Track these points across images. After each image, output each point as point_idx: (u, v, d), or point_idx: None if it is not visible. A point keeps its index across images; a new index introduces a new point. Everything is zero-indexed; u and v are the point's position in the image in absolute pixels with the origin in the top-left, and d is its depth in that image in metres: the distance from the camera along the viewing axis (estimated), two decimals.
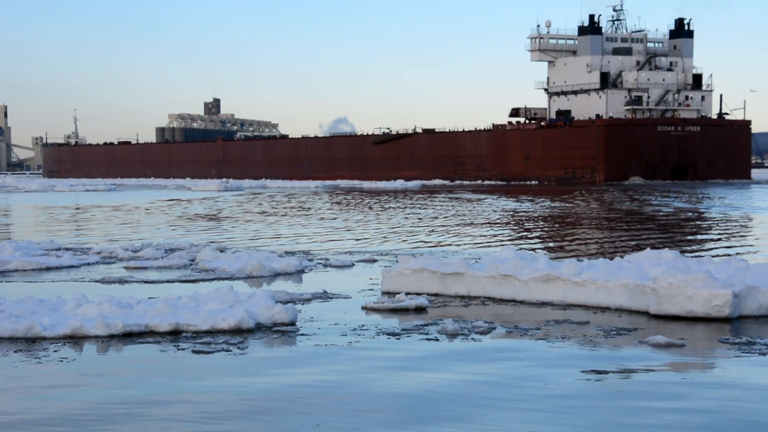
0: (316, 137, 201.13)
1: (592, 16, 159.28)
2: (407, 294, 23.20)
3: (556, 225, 52.87)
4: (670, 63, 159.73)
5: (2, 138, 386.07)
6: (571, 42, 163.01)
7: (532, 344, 17.54)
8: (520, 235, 45.85)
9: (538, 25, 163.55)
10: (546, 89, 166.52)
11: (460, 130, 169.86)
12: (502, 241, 41.70)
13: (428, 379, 14.81)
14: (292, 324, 19.60)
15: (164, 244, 38.15)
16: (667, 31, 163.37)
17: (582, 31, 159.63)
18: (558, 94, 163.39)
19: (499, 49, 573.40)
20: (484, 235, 44.98)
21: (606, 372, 15.19)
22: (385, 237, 44.31)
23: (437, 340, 17.99)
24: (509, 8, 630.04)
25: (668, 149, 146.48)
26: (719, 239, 43.11)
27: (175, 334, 18.62)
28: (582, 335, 18.37)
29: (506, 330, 18.99)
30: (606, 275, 22.07)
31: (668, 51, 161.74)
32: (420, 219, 58.19)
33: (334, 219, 59.29)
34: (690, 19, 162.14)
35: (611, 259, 25.40)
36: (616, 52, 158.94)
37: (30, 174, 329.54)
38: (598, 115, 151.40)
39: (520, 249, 29.26)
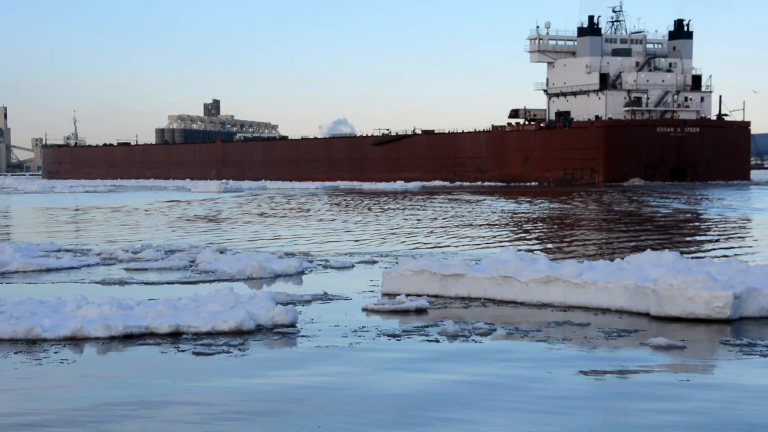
0: (315, 138, 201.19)
1: (591, 18, 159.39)
2: (407, 295, 23.19)
3: (555, 226, 52.86)
4: (670, 64, 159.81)
5: (2, 139, 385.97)
6: (570, 43, 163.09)
7: (533, 346, 17.54)
8: (519, 236, 45.84)
9: (538, 27, 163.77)
10: (545, 90, 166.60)
11: (460, 131, 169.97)
12: (501, 242, 41.69)
13: (428, 380, 14.81)
14: (293, 325, 19.60)
15: (164, 245, 38.16)
16: (666, 32, 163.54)
17: (581, 32, 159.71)
18: (557, 95, 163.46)
19: (499, 51, 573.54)
20: (483, 237, 44.97)
21: (607, 373, 15.20)
22: (384, 238, 44.31)
23: (438, 341, 17.99)
24: (509, 9, 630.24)
25: (667, 150, 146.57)
26: (717, 240, 43.13)
27: (175, 336, 18.62)
28: (583, 337, 18.37)
29: (507, 331, 18.99)
30: (606, 277, 22.06)
31: (667, 52, 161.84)
32: (419, 220, 58.20)
33: (334, 220, 59.29)
34: (689, 20, 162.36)
35: (611, 260, 25.40)
36: (616, 53, 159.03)
37: (29, 175, 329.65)
38: (597, 116, 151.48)
39: (520, 251, 29.25)
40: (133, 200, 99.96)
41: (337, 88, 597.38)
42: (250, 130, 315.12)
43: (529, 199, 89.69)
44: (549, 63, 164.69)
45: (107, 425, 12.49)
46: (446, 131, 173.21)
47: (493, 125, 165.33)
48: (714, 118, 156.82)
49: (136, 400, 13.68)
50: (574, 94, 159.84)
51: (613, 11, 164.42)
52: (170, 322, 18.99)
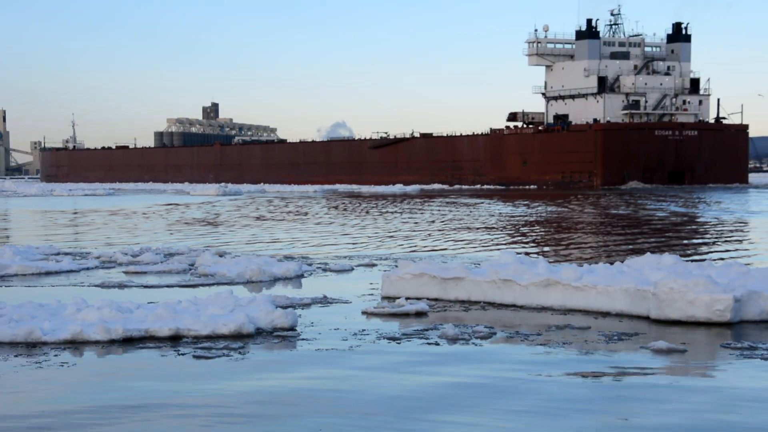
0: (313, 142, 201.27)
1: (589, 21, 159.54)
2: (407, 299, 23.19)
3: (552, 229, 52.87)
4: (668, 67, 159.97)
5: (1, 142, 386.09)
6: (568, 46, 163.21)
7: (533, 349, 17.53)
8: (516, 239, 45.85)
9: (536, 30, 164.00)
10: (543, 93, 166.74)
11: (458, 134, 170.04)
12: (498, 245, 41.68)
13: (428, 382, 14.79)
14: (293, 329, 19.59)
15: (163, 248, 38.14)
16: (664, 35, 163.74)
17: (579, 35, 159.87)
18: (555, 98, 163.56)
19: (497, 54, 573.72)
20: (481, 240, 44.95)
21: (608, 377, 15.19)
22: (383, 241, 44.30)
23: (438, 344, 17.98)
24: (507, 13, 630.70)
25: (666, 153, 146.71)
26: (714, 243, 43.16)
27: (175, 339, 18.60)
28: (583, 340, 18.36)
29: (507, 335, 18.98)
30: (606, 280, 22.05)
31: (666, 55, 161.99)
32: (417, 223, 58.19)
33: (332, 223, 59.28)
34: (687, 24, 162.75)
35: (611, 263, 25.39)
36: (614, 56, 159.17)
37: (28, 178, 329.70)
38: (595, 120, 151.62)
39: (519, 254, 29.24)
40: (131, 203, 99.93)
41: (335, 92, 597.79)
42: (249, 133, 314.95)
43: (526, 203, 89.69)
44: (547, 66, 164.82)
45: (107, 428, 12.48)
46: (444, 134, 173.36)
47: (491, 128, 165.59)
48: (712, 121, 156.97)
49: (136, 403, 13.67)
50: (573, 97, 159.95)
51: (612, 14, 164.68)
52: (170, 326, 18.98)
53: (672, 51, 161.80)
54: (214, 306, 20.72)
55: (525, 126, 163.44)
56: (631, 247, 40.42)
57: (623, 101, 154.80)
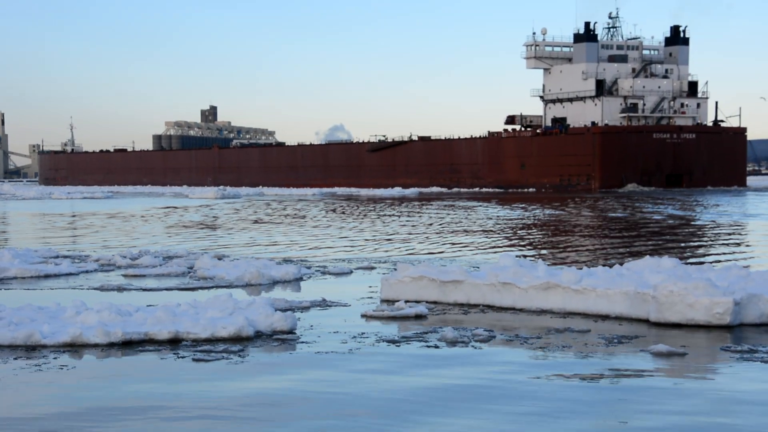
0: (311, 145, 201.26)
1: (587, 24, 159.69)
2: (406, 302, 23.18)
3: (549, 232, 52.89)
4: (666, 70, 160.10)
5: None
6: (566, 49, 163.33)
7: (533, 352, 17.53)
8: (513, 242, 45.87)
9: (534, 33, 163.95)
10: (542, 96, 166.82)
11: (456, 137, 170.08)
12: (496, 248, 41.70)
13: (429, 383, 14.80)
14: (292, 332, 19.59)
15: (162, 251, 38.14)
16: (662, 38, 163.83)
17: (577, 38, 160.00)
18: (554, 101, 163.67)
19: (495, 57, 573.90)
20: (479, 243, 44.96)
21: (608, 380, 15.19)
22: (381, 244, 44.29)
23: (437, 347, 17.99)
24: (505, 16, 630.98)
25: (664, 156, 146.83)
26: (712, 246, 43.20)
27: (174, 343, 18.60)
28: (583, 343, 18.36)
29: (506, 338, 18.98)
30: (606, 283, 22.06)
31: (664, 58, 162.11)
32: (414, 226, 58.20)
33: (331, 227, 59.28)
34: (685, 27, 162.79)
35: (610, 266, 25.39)
36: (612, 59, 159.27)
37: (27, 181, 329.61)
38: (593, 123, 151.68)
39: (518, 257, 29.25)
40: (130, 206, 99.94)
41: (334, 95, 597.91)
42: (247, 136, 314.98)
43: (523, 206, 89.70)
44: (545, 69, 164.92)
45: (107, 430, 12.48)
46: (443, 137, 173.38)
47: (489, 131, 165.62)
48: (710, 124, 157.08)
49: (136, 406, 13.68)
50: (571, 100, 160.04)
51: (610, 17, 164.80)
52: (169, 329, 18.97)
53: (670, 54, 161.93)
54: (213, 309, 20.72)
55: (523, 129, 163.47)
56: (628, 250, 40.46)
57: (621, 104, 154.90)
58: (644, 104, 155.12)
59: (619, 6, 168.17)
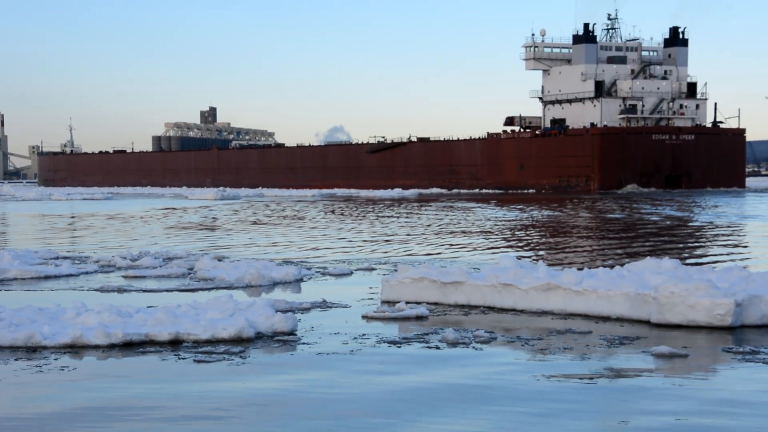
0: (310, 146, 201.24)
1: (586, 25, 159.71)
2: (407, 303, 23.17)
3: (547, 233, 52.89)
4: (665, 71, 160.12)
5: None
6: (565, 51, 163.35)
7: (534, 353, 17.52)
8: (511, 243, 45.86)
9: (533, 34, 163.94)
10: (541, 98, 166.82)
11: (455, 138, 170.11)
12: (495, 249, 41.69)
13: (430, 385, 14.79)
14: (293, 333, 19.58)
15: (162, 252, 38.13)
16: (661, 39, 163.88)
17: (576, 39, 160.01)
18: (553, 102, 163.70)
19: (494, 58, 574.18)
20: (477, 244, 44.95)
21: (609, 380, 15.19)
22: (381, 245, 44.29)
23: (438, 348, 17.99)
24: (504, 17, 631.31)
25: (663, 158, 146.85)
26: (709, 246, 43.21)
27: (175, 344, 18.58)
28: (585, 345, 18.35)
29: (507, 339, 18.97)
30: (607, 284, 22.05)
31: (663, 59, 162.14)
32: (413, 227, 58.20)
33: (331, 228, 59.26)
34: (684, 28, 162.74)
35: (610, 267, 25.39)
36: (611, 60, 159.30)
37: (27, 183, 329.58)
38: (592, 124, 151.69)
39: (519, 258, 29.24)
40: (130, 207, 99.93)
41: (333, 96, 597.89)
42: (247, 137, 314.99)
43: (521, 207, 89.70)
44: (544, 70, 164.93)
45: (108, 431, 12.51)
46: (442, 139, 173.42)
47: (488, 133, 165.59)
48: (709, 125, 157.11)
49: (136, 406, 13.66)
50: (570, 101, 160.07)
51: (609, 18, 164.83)
52: (170, 330, 18.95)
53: (669, 55, 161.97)
54: (214, 310, 20.71)
55: (522, 130, 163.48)
56: (627, 251, 40.48)
57: (620, 105, 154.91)
58: (643, 105, 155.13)
59: (618, 7, 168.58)
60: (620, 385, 14.96)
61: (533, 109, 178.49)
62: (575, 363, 16.58)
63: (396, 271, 26.57)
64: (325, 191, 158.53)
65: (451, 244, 44.64)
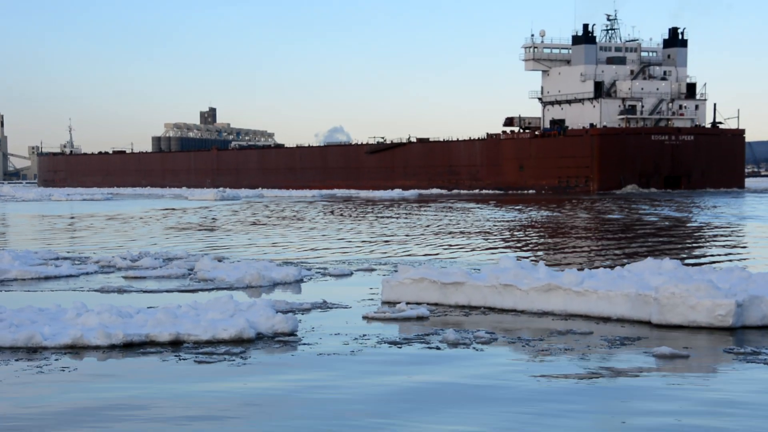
0: (310, 146, 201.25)
1: (586, 26, 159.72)
2: (407, 303, 23.16)
3: (546, 234, 52.90)
4: (664, 72, 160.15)
5: None
6: (565, 51, 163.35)
7: (535, 354, 17.52)
8: (510, 244, 45.86)
9: (533, 35, 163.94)
10: (540, 98, 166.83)
11: (454, 139, 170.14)
12: (494, 249, 41.69)
13: (430, 385, 14.80)
14: (293, 334, 19.57)
15: (162, 253, 38.12)
16: (661, 40, 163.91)
17: (576, 40, 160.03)
18: (552, 103, 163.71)
19: (494, 59, 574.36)
20: (477, 244, 44.95)
21: (609, 380, 15.19)
22: (380, 246, 44.28)
23: (439, 348, 17.99)
24: (504, 18, 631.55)
25: (662, 158, 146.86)
26: (708, 247, 43.21)
27: (175, 344, 18.57)
28: (586, 345, 18.35)
29: (508, 340, 18.97)
30: (607, 285, 22.04)
31: (662, 60, 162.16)
32: (412, 228, 58.20)
33: (331, 228, 59.27)
34: (684, 29, 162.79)
35: (611, 268, 25.38)
36: (610, 61, 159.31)
37: (26, 183, 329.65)
38: (592, 125, 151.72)
39: (519, 259, 29.23)
40: (129, 208, 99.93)
41: (333, 97, 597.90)
42: (246, 138, 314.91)
43: (520, 207, 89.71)
44: (544, 71, 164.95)
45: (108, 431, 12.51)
46: (441, 139, 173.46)
47: (488, 133, 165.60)
48: (709, 126, 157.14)
49: (136, 406, 13.66)
50: (569, 102, 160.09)
51: (608, 19, 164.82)
52: (170, 331, 18.95)
53: (668, 56, 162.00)
54: (214, 311, 20.70)
55: (522, 131, 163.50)
56: (624, 251, 40.50)
57: (620, 106, 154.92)
58: (642, 106, 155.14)
59: (617, 8, 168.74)
60: (621, 386, 14.96)
61: (533, 110, 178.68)
62: (576, 364, 16.58)
63: (396, 271, 26.56)
64: (324, 192, 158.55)
65: (451, 245, 44.64)
